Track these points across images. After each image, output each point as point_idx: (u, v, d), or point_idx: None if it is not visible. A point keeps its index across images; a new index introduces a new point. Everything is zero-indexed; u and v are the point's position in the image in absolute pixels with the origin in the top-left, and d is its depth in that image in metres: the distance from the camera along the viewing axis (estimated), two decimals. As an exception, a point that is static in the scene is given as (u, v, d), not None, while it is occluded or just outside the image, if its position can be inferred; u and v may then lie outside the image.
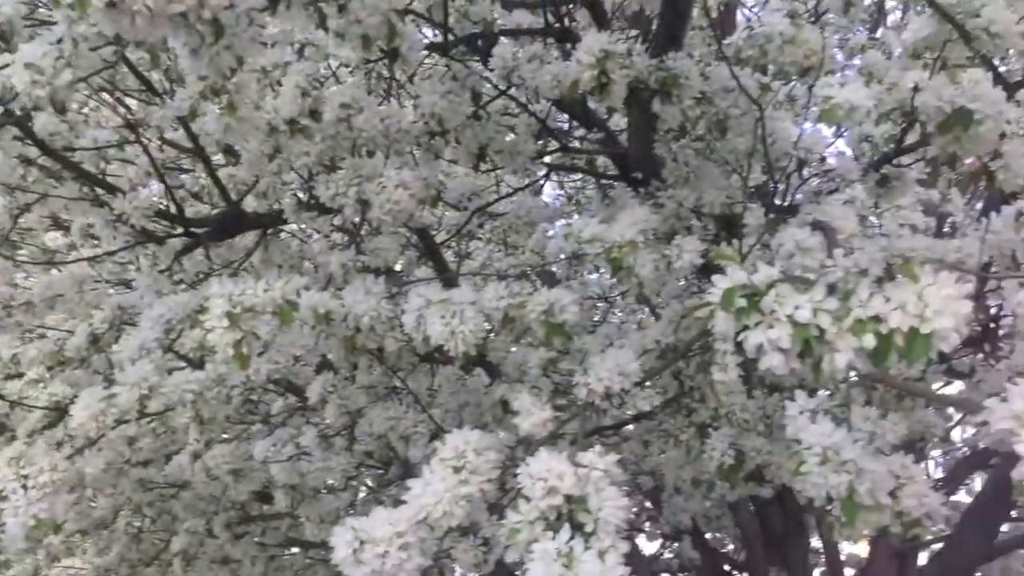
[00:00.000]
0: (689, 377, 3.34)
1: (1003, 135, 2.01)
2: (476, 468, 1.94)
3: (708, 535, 6.65)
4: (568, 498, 1.83)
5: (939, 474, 6.92)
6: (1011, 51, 2.86)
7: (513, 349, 3.50)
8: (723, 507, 5.84)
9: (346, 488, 3.84)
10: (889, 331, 1.28)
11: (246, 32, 1.73)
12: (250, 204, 3.42)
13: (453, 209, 3.53)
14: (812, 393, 1.92)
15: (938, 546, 6.31)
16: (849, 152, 3.39)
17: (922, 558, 6.28)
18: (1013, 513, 6.13)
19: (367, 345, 2.24)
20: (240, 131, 2.38)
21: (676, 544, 6.54)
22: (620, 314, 6.14)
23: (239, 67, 1.85)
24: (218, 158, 3.92)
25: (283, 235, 3.68)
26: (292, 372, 3.65)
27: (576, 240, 2.29)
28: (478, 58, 2.88)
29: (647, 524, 7.39)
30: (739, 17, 4.98)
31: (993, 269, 2.46)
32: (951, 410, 6.89)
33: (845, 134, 3.78)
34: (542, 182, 4.52)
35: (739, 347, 1.31)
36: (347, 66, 3.34)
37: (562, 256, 3.58)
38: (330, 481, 3.78)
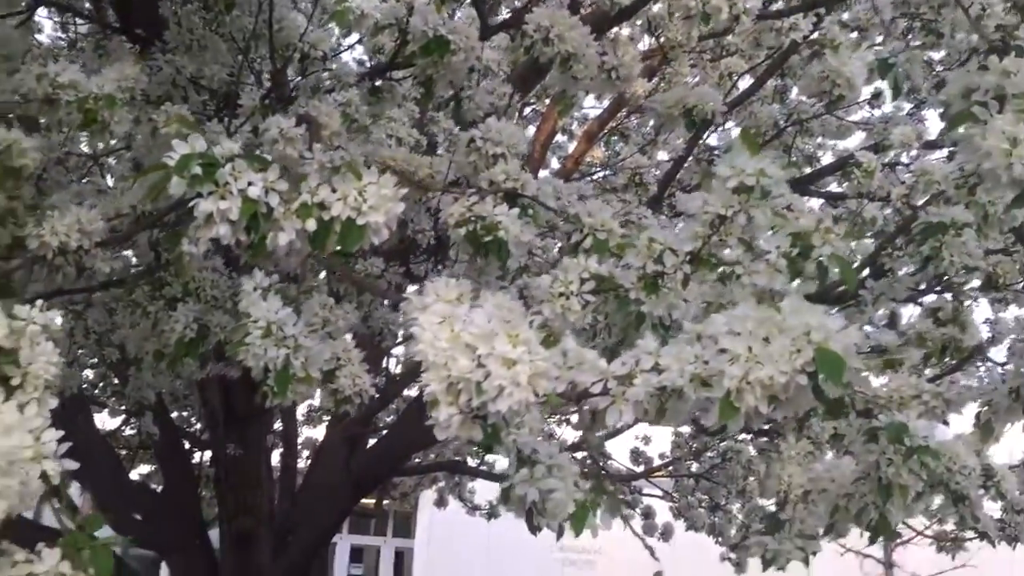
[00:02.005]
0: (166, 249, 3.29)
1: (472, 69, 2.27)
2: None
3: (174, 414, 6.63)
4: (-2, 350, 1.73)
5: (398, 370, 7.64)
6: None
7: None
8: (191, 386, 5.85)
9: None
10: (331, 218, 1.42)
11: None
12: None
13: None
14: (270, 274, 2.02)
15: (383, 433, 7.05)
16: (363, 58, 3.55)
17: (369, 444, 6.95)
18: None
19: None
20: None
21: (138, 421, 6.42)
22: (111, 178, 5.76)
23: None
24: None
25: None
26: None
27: (50, 83, 2.12)
28: None
29: (111, 400, 7.11)
30: None
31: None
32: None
33: (364, 42, 3.95)
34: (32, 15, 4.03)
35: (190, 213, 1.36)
36: None
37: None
38: None
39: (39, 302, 1.84)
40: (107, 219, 2.43)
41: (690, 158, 4.64)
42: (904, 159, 4.62)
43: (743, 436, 5.88)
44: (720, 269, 1.60)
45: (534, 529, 1.64)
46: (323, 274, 3.20)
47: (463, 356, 1.24)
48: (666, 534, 6.91)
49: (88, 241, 2.14)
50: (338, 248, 1.44)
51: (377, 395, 3.03)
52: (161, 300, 3.41)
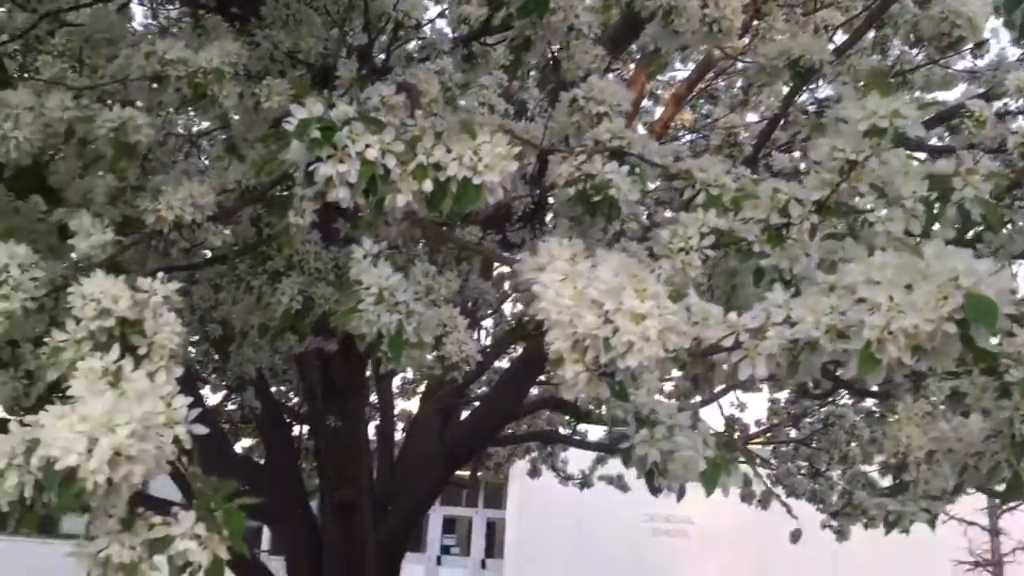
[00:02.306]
0: (268, 224, 3.35)
1: (571, 28, 2.24)
2: (20, 284, 1.81)
3: (273, 388, 6.79)
4: (123, 321, 1.78)
5: (488, 341, 7.69)
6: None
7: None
8: (290, 361, 5.98)
9: None
10: (447, 179, 1.41)
11: None
12: None
13: (20, 9, 3.12)
14: (377, 240, 2.03)
15: (476, 404, 7.10)
16: (447, 29, 3.54)
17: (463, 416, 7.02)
18: (541, 378, 7.05)
19: None
20: None
21: (240, 396, 6.59)
22: (205, 160, 5.91)
23: None
24: None
25: None
26: None
27: (158, 61, 2.16)
28: None
29: (213, 376, 7.32)
30: None
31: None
32: (506, 286, 7.66)
33: (447, 12, 3.94)
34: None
35: (310, 178, 1.36)
36: None
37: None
38: None
39: (160, 274, 1.88)
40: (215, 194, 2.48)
41: (785, 117, 4.50)
42: (1014, 107, 4.40)
43: (844, 400, 5.75)
44: (850, 218, 1.54)
45: (655, 490, 1.62)
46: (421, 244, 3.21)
47: (589, 312, 1.22)
48: (764, 502, 6.81)
49: (200, 215, 2.18)
50: (454, 209, 1.43)
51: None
52: (264, 274, 3.48)
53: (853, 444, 5.50)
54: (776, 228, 1.54)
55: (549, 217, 3.19)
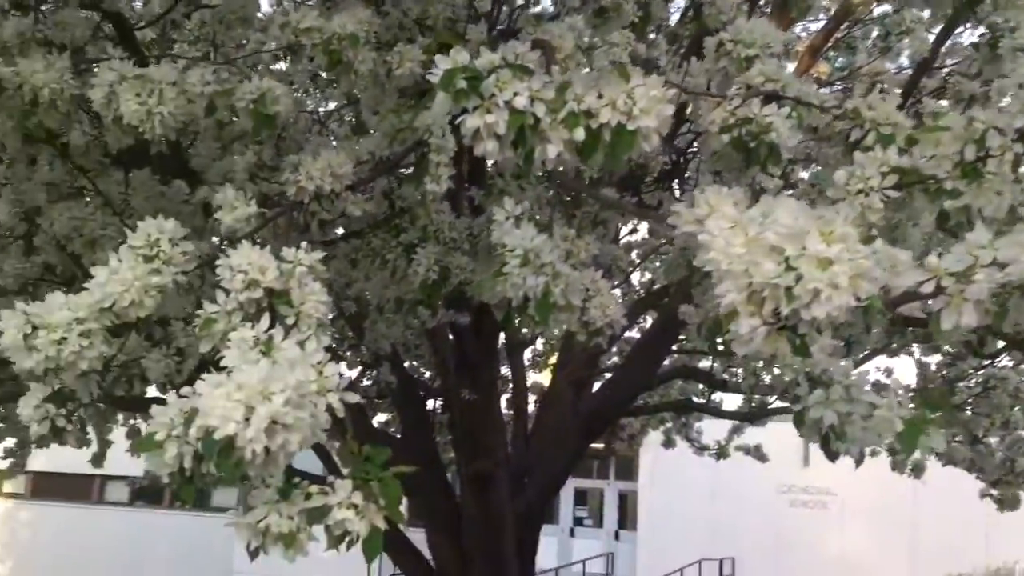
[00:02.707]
0: (401, 197, 3.34)
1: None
2: (170, 258, 1.82)
3: (407, 364, 6.88)
4: (270, 291, 1.77)
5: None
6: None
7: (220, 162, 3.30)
8: (422, 336, 6.03)
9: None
10: (599, 126, 1.32)
11: None
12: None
13: (157, -7, 3.19)
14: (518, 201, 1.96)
15: (608, 375, 7.01)
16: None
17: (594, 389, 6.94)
18: (674, 347, 6.91)
19: (47, 125, 1.99)
20: None
21: (375, 372, 6.69)
22: (333, 141, 5.99)
23: None
24: None
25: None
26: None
27: (293, 31, 2.14)
28: None
29: (348, 352, 7.48)
30: None
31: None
32: (635, 254, 7.52)
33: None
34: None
35: (456, 131, 1.29)
36: None
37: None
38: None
39: (304, 244, 1.86)
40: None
41: (937, 60, 4.20)
42: None
43: (1005, 363, 5.39)
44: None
45: (832, 456, 1.49)
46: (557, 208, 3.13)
47: (767, 259, 1.11)
48: (917, 471, 6.47)
49: (339, 184, 2.16)
50: (606, 158, 1.34)
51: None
52: (399, 247, 3.47)
53: (1016, 408, 5.14)
54: (971, 163, 1.39)
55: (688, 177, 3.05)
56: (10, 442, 8.74)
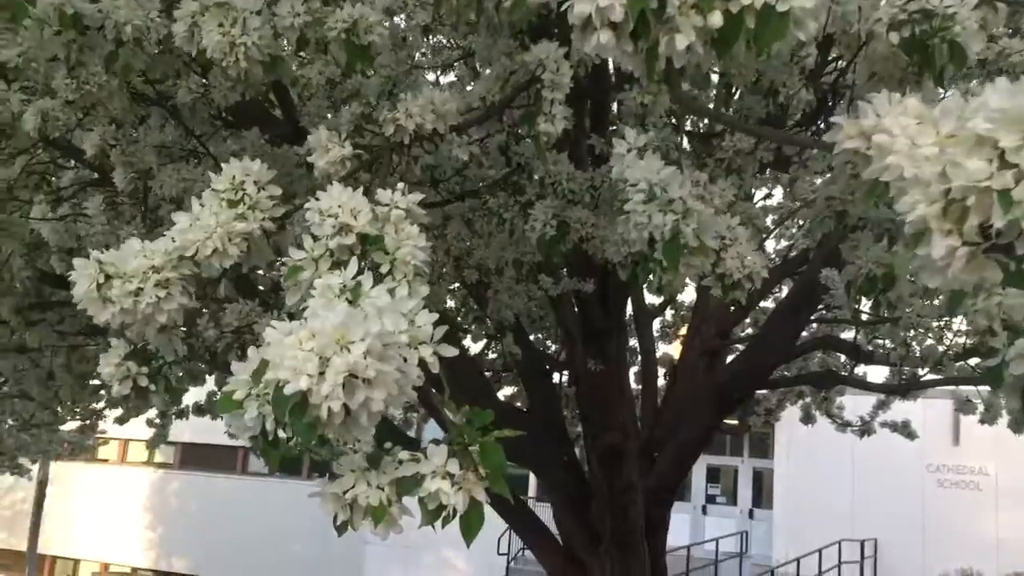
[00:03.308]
0: (517, 153, 3.12)
1: None
2: (257, 202, 1.65)
3: (531, 336, 6.70)
4: (363, 238, 1.58)
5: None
6: None
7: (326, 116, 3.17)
8: (546, 306, 5.82)
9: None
10: (740, 9, 1.06)
11: None
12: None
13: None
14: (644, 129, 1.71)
15: (742, 347, 6.64)
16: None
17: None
18: (812, 319, 6.47)
19: (133, 65, 1.85)
20: None
21: (500, 344, 6.53)
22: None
23: None
24: None
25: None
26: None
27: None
28: None
29: (472, 325, 7.36)
30: None
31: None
32: (770, 220, 7.10)
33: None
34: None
35: (562, 21, 1.05)
36: None
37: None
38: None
39: (400, 185, 1.67)
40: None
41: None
42: None
43: None
44: None
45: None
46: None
47: (972, 157, 0.83)
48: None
49: (442, 124, 1.96)
50: (750, 50, 1.07)
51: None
52: (516, 205, 3.27)
53: None
54: None
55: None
56: (151, 413, 9.08)
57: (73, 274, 1.48)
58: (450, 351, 1.30)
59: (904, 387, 5.73)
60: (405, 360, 1.22)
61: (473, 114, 2.58)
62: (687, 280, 2.31)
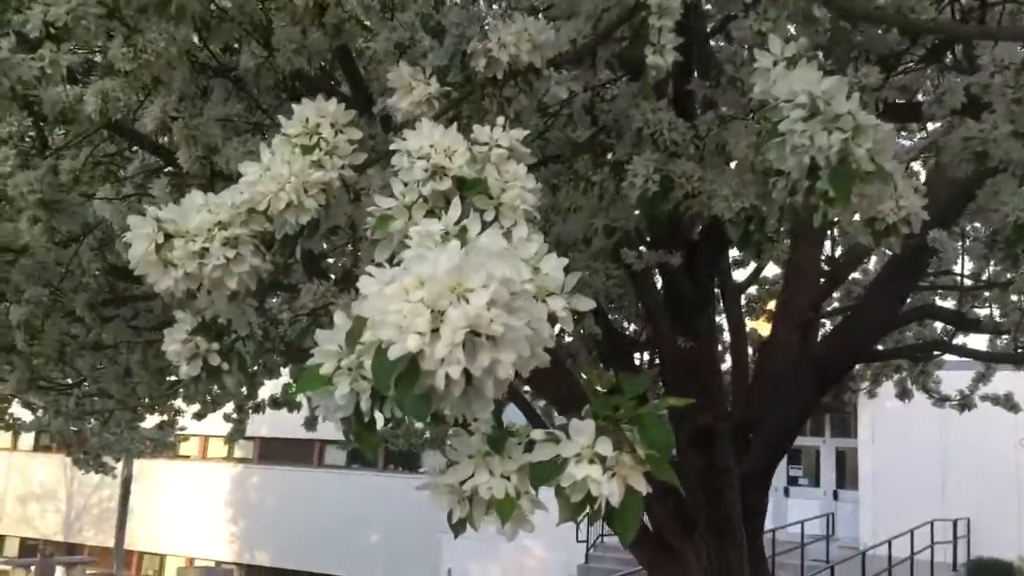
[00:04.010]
0: (605, 111, 2.85)
1: None
2: (334, 148, 1.41)
3: (611, 317, 6.42)
4: (460, 182, 1.33)
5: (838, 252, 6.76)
6: None
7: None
8: (625, 284, 5.52)
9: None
10: None
11: None
12: None
13: None
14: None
15: (840, 318, 6.25)
16: None
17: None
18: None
19: (187, 7, 1.63)
20: None
21: (580, 323, 6.27)
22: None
23: None
24: None
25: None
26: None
27: None
28: None
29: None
30: None
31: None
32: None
33: None
34: None
35: None
36: None
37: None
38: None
39: (500, 119, 1.41)
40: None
41: None
42: None
43: None
44: None
45: None
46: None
47: None
48: None
49: (539, 57, 1.69)
50: None
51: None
52: (605, 167, 2.99)
53: None
54: None
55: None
56: (228, 408, 9.03)
57: (128, 235, 1.25)
58: (586, 303, 1.04)
59: (1022, 356, 5.30)
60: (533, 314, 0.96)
61: (563, 57, 2.31)
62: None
